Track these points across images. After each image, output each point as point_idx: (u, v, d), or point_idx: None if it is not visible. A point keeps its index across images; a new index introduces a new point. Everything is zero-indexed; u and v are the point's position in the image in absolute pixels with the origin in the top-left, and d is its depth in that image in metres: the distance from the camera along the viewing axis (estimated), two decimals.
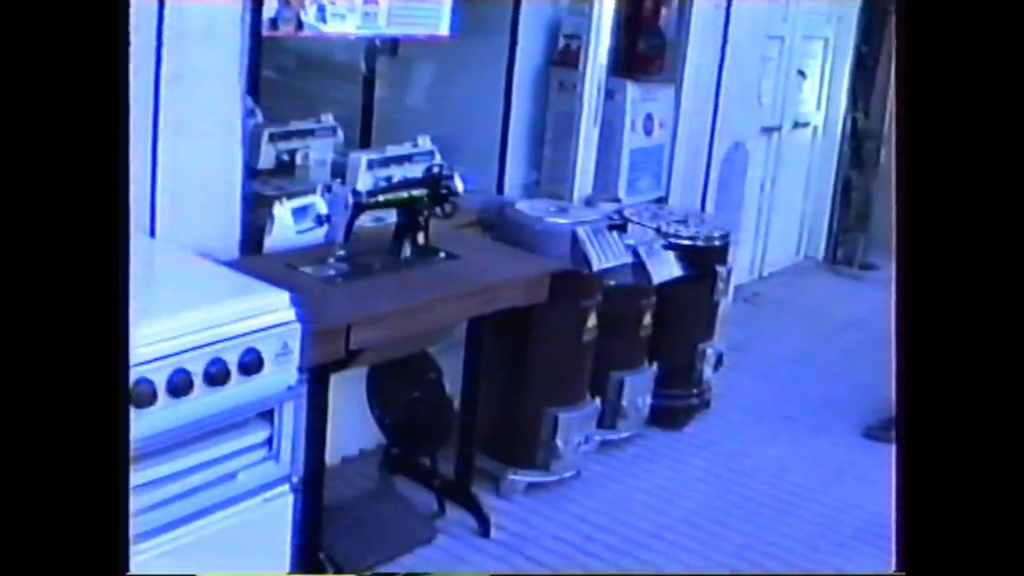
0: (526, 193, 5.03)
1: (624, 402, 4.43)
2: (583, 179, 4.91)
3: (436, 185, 3.63)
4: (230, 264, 3.19)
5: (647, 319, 4.43)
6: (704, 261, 4.58)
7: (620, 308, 4.30)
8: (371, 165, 4.42)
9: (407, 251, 3.61)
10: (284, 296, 2.82)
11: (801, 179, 7.15)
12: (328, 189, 3.60)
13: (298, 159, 4.74)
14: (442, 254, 3.64)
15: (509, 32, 4.95)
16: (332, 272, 3.43)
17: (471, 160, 5.10)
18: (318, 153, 4.79)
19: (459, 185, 3.64)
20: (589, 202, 4.82)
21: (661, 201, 5.42)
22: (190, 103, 3.27)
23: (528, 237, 3.98)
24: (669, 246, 4.44)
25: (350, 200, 3.41)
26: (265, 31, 3.59)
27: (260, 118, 4.95)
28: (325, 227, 3.71)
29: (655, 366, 4.56)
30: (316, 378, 3.33)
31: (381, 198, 3.54)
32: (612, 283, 4.21)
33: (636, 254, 4.24)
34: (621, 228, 4.08)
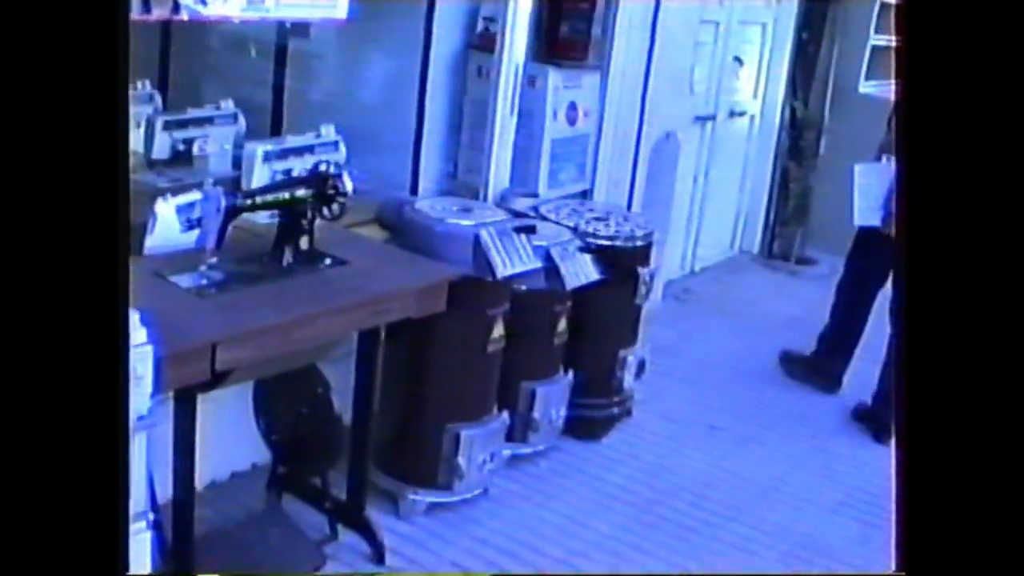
0: (442, 187, 4.69)
1: (536, 414, 4.09)
2: (499, 172, 4.55)
3: (322, 184, 3.26)
4: None
5: (561, 325, 4.08)
6: (624, 262, 4.24)
7: (531, 315, 3.96)
8: (268, 157, 4.03)
9: (288, 257, 3.24)
10: (134, 314, 2.45)
11: (737, 170, 6.78)
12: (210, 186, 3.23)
13: (195, 149, 4.37)
14: (327, 260, 3.28)
15: (425, 13, 4.57)
16: (203, 282, 3.06)
17: (384, 151, 4.77)
18: (216, 143, 4.42)
19: (348, 184, 3.28)
20: (504, 197, 4.47)
21: (586, 194, 5.07)
22: None
23: (428, 240, 3.62)
24: (586, 247, 4.08)
25: (222, 202, 3.04)
26: (136, 14, 3.19)
27: (158, 104, 4.60)
28: None
29: (571, 374, 4.22)
30: (181, 402, 2.99)
31: (259, 199, 3.16)
32: (523, 288, 3.86)
33: (549, 257, 3.88)
34: (529, 230, 3.71)
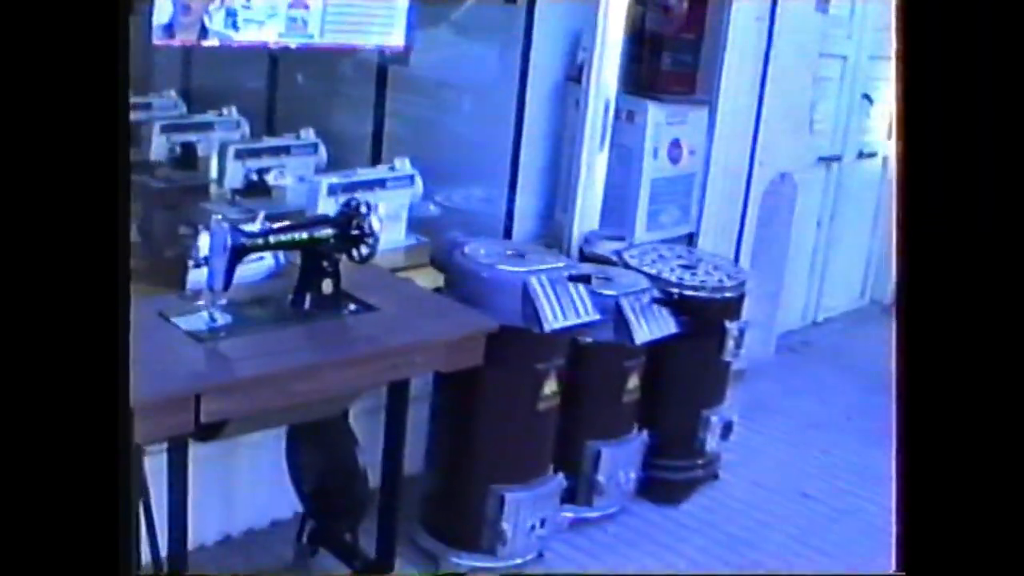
0: (538, 229, 4.33)
1: (601, 476, 3.68)
2: (587, 212, 4.16)
3: (346, 224, 2.94)
4: None
5: (633, 382, 3.67)
6: (710, 315, 3.79)
7: (598, 370, 3.58)
8: (333, 191, 3.77)
9: (309, 301, 2.93)
10: None
11: (867, 215, 6.17)
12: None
13: (271, 179, 4.12)
14: (352, 306, 2.95)
15: (522, 42, 4.23)
16: (204, 326, 2.77)
17: (476, 187, 4.45)
18: (294, 173, 4.15)
19: (376, 224, 2.95)
20: (588, 240, 4.08)
21: (691, 238, 4.65)
22: None
23: (475, 287, 3.27)
24: (665, 298, 3.65)
25: (228, 240, 2.74)
26: (158, 39, 2.94)
27: (245, 132, 4.38)
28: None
29: (645, 434, 3.79)
30: (171, 453, 2.71)
31: (272, 239, 2.86)
32: (588, 340, 3.47)
33: (619, 308, 3.48)
34: (584, 279, 3.31)
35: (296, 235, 2.90)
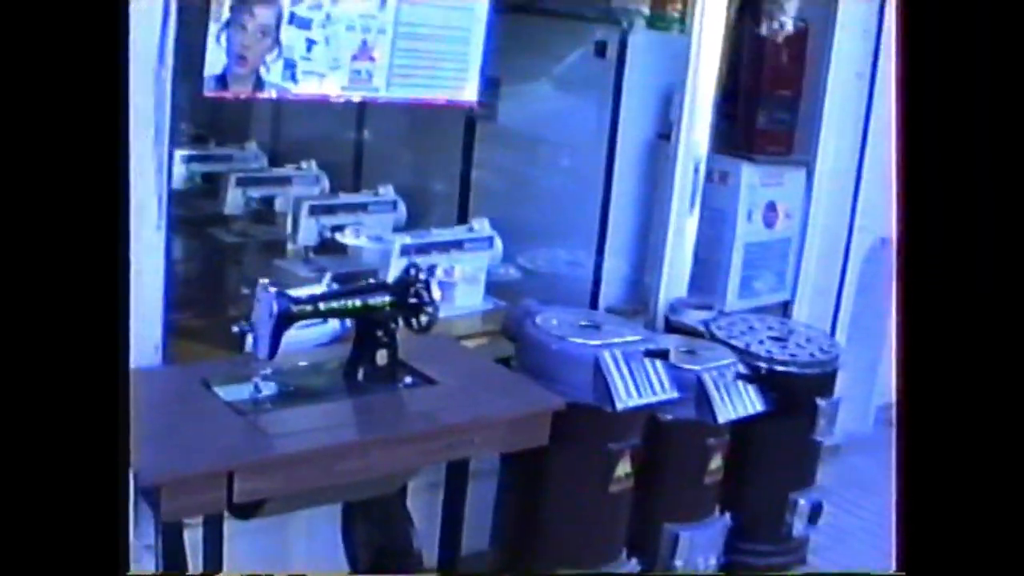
0: (625, 295, 4.05)
1: (679, 561, 3.36)
2: (675, 279, 3.88)
3: (403, 292, 2.70)
4: None
5: (716, 462, 3.35)
6: (800, 392, 3.47)
7: (677, 449, 3.28)
8: (406, 251, 3.55)
9: (362, 373, 2.69)
10: None
11: None
12: None
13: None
14: (409, 379, 2.71)
15: (612, 97, 3.97)
16: (248, 396, 2.56)
17: (564, 248, 4.20)
18: (370, 231, 3.92)
19: (436, 293, 2.71)
20: (674, 308, 3.78)
21: (786, 306, 4.32)
22: None
23: (544, 360, 3.01)
24: (753, 372, 3.34)
25: (274, 307, 2.52)
26: (209, 91, 2.74)
27: (325, 187, 4.18)
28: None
29: (727, 517, 3.47)
30: (207, 530, 2.49)
31: (322, 306, 2.63)
32: (667, 418, 3.18)
33: (701, 384, 3.18)
34: (662, 355, 3.02)
35: (349, 302, 2.67)
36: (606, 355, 2.93)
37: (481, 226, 3.82)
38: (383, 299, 2.69)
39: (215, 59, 2.70)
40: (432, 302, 2.71)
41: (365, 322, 2.71)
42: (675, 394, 3.01)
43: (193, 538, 2.55)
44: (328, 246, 3.91)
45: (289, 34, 2.79)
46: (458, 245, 3.73)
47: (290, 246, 3.97)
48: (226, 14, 2.68)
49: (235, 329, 2.58)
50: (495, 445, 2.70)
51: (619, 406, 2.90)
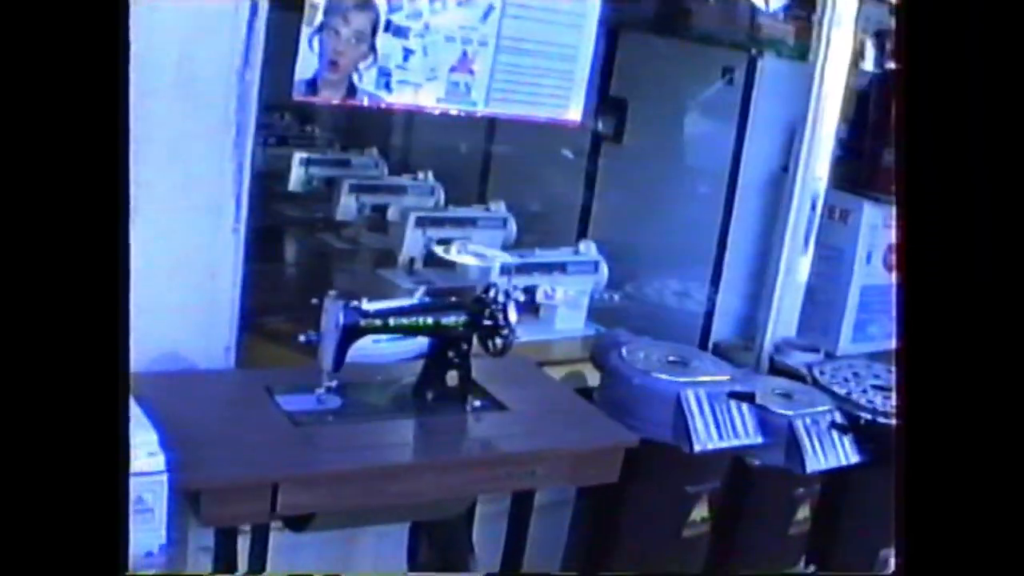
0: (740, 329, 3.88)
1: None
2: (784, 318, 3.69)
3: (477, 313, 2.59)
4: (171, 376, 2.50)
5: (803, 512, 3.16)
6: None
7: (762, 496, 3.10)
8: (505, 270, 3.46)
9: (431, 393, 2.60)
10: (151, 436, 1.95)
11: None
12: None
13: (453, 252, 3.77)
14: (478, 402, 2.61)
15: (736, 127, 3.81)
16: (307, 407, 2.49)
17: (675, 278, 4.05)
18: (478, 247, 3.80)
19: (512, 316, 2.60)
20: (779, 349, 3.60)
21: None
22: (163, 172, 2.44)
23: (625, 393, 2.87)
24: (851, 421, 3.13)
25: (340, 319, 2.44)
26: (299, 95, 2.69)
27: (440, 199, 4.11)
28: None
29: (812, 569, 3.27)
30: (253, 539, 2.42)
31: (391, 321, 2.54)
32: (756, 463, 3.00)
33: (792, 430, 2.99)
34: (747, 398, 2.85)
35: (420, 319, 2.57)
36: (689, 393, 2.78)
37: (587, 249, 3.70)
38: (457, 319, 2.59)
39: (306, 63, 2.64)
40: (508, 325, 2.60)
41: (438, 341, 2.61)
42: (759, 439, 2.84)
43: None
44: (438, 260, 3.82)
45: (385, 42, 2.71)
46: (561, 267, 3.62)
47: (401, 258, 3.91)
48: (319, 18, 2.62)
49: (301, 338, 2.51)
50: (559, 479, 2.57)
51: (697, 447, 2.74)
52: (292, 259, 4.17)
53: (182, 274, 2.55)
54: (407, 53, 2.75)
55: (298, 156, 4.27)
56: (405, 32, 2.73)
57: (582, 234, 4.29)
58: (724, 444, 2.78)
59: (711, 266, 3.88)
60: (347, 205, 4.06)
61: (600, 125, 4.34)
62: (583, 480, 2.59)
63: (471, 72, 2.85)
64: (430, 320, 2.57)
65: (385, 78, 2.74)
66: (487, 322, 2.60)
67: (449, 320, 2.58)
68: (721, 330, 3.87)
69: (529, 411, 2.65)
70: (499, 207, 3.97)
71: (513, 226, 3.96)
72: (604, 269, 3.68)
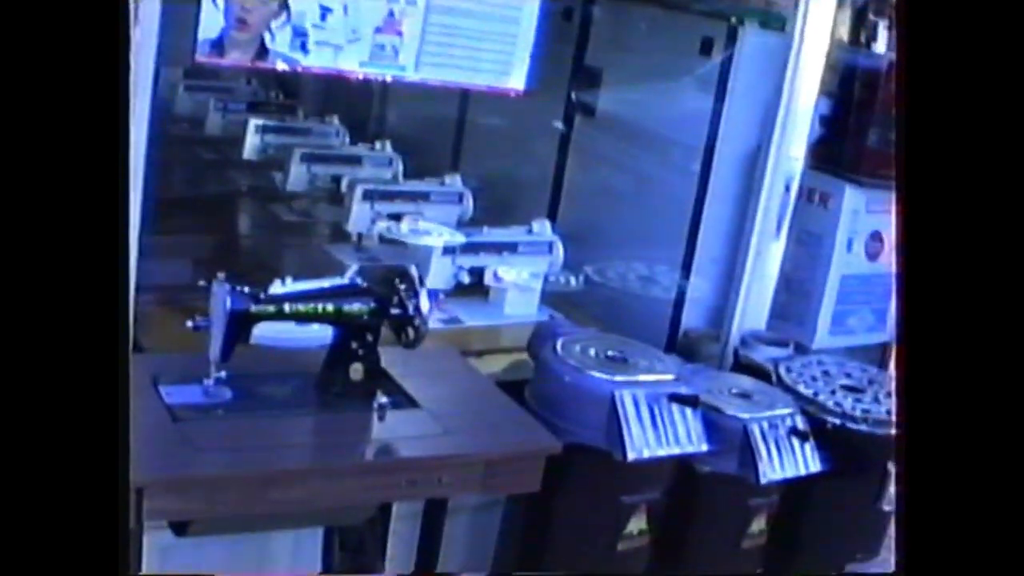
0: (710, 319, 3.57)
1: None
2: (753, 309, 3.39)
3: (386, 300, 2.31)
4: None
5: (758, 524, 2.87)
6: (868, 453, 2.94)
7: (711, 506, 2.80)
8: (449, 249, 3.17)
9: (336, 386, 2.32)
10: None
11: None
12: None
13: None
14: (385, 399, 2.32)
15: (713, 100, 3.49)
16: (193, 400, 2.22)
17: (640, 262, 3.76)
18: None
19: (424, 304, 2.32)
20: (745, 342, 3.30)
21: (885, 348, 3.78)
22: None
23: (556, 392, 2.58)
24: (815, 425, 2.85)
25: (228, 304, 2.17)
26: (202, 56, 2.40)
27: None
28: None
29: None
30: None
31: (287, 308, 2.26)
32: (705, 469, 2.72)
33: (747, 435, 2.70)
34: (690, 402, 2.55)
35: (319, 306, 2.29)
36: (624, 394, 2.49)
37: (541, 228, 3.41)
38: (362, 306, 2.31)
39: (211, 22, 2.36)
40: (419, 314, 2.32)
41: (343, 330, 2.33)
42: (704, 447, 2.55)
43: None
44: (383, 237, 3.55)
45: None
46: (512, 247, 3.33)
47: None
48: None
49: (188, 323, 2.23)
50: (468, 487, 2.29)
51: (631, 455, 2.46)
52: (237, 231, 3.90)
53: None
54: (324, 11, 2.47)
55: (253, 123, 4.00)
56: None
57: (552, 212, 4.01)
58: (662, 452, 2.49)
59: (683, 249, 3.58)
60: (298, 175, 3.79)
61: (573, 96, 4.05)
62: (497, 488, 2.32)
63: (399, 33, 2.57)
64: (331, 307, 2.30)
65: (301, 38, 2.47)
66: (395, 310, 2.31)
67: (353, 308, 2.31)
68: (691, 319, 3.57)
69: (442, 410, 2.37)
70: (454, 181, 3.68)
71: (470, 202, 3.67)
72: (559, 250, 3.39)
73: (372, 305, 2.31)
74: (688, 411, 2.54)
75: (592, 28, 3.97)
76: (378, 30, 2.53)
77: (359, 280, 2.39)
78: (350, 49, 2.52)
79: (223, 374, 2.25)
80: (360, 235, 3.55)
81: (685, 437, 2.53)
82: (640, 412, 2.48)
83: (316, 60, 2.49)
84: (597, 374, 2.55)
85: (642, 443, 2.47)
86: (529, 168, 4.29)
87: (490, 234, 3.33)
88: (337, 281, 2.41)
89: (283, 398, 2.32)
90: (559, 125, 4.11)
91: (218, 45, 2.40)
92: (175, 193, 3.91)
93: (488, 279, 3.31)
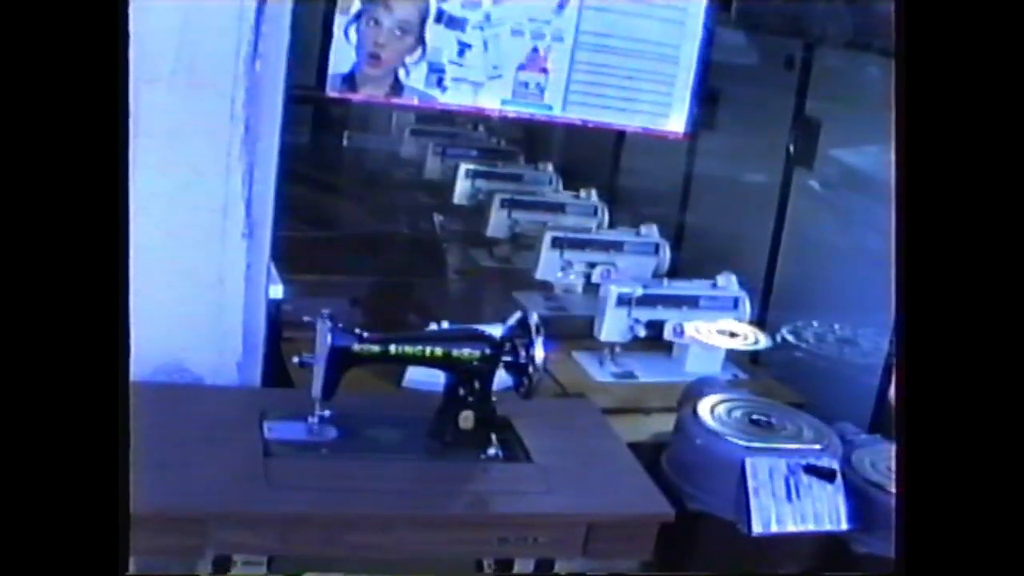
0: None
1: None
2: None
3: (499, 347, 2.19)
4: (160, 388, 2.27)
5: None
6: None
7: None
8: (624, 301, 3.03)
9: (447, 434, 2.21)
10: None
11: None
12: None
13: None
14: (494, 451, 2.19)
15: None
16: (294, 436, 2.17)
17: (851, 326, 3.48)
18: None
19: (539, 353, 2.18)
20: None
21: None
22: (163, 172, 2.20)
23: (686, 455, 2.37)
24: None
25: (329, 341, 2.11)
26: (332, 91, 2.38)
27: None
28: None
29: None
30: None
31: (392, 349, 2.17)
32: (862, 551, 2.42)
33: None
34: (826, 476, 2.28)
35: (427, 349, 2.18)
36: (758, 463, 2.25)
37: (727, 282, 3.19)
38: (472, 351, 2.19)
39: (341, 56, 2.33)
40: (532, 362, 2.18)
41: (453, 377, 2.21)
42: (844, 525, 2.26)
43: None
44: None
45: (435, 34, 2.34)
46: (693, 301, 3.13)
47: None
48: (356, 5, 2.29)
49: (295, 360, 2.19)
50: (567, 550, 2.10)
51: (756, 528, 2.21)
52: (435, 274, 3.87)
53: (187, 281, 2.29)
54: (463, 47, 2.39)
55: (464, 167, 3.97)
56: (461, 24, 2.38)
57: (771, 265, 3.77)
58: (794, 527, 2.23)
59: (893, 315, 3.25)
60: (498, 220, 3.72)
61: (792, 147, 3.80)
62: (603, 554, 2.11)
63: (543, 71, 2.45)
64: (439, 351, 2.19)
65: (437, 75, 2.40)
66: (507, 357, 2.18)
67: (463, 352, 2.19)
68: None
69: (556, 465, 2.21)
70: (651, 231, 3.51)
71: (667, 253, 3.48)
72: (746, 306, 3.16)
73: (482, 351, 2.19)
74: (829, 488, 2.27)
75: (811, 77, 3.73)
76: (521, 67, 2.43)
77: (516, 328, 2.26)
78: (491, 86, 2.42)
79: (327, 413, 2.18)
80: (547, 283, 3.45)
81: (827, 514, 2.25)
82: (773, 482, 2.23)
83: (454, 97, 2.41)
84: (730, 438, 2.31)
85: (771, 516, 2.21)
86: (747, 221, 4.06)
87: (670, 286, 3.14)
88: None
89: (388, 442, 2.23)
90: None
91: (349, 80, 2.35)
92: (384, 232, 3.95)
93: (667, 334, 3.11)
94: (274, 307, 2.56)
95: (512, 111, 2.47)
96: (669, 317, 3.11)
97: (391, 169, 4.52)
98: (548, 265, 3.40)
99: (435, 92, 2.40)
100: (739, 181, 4.03)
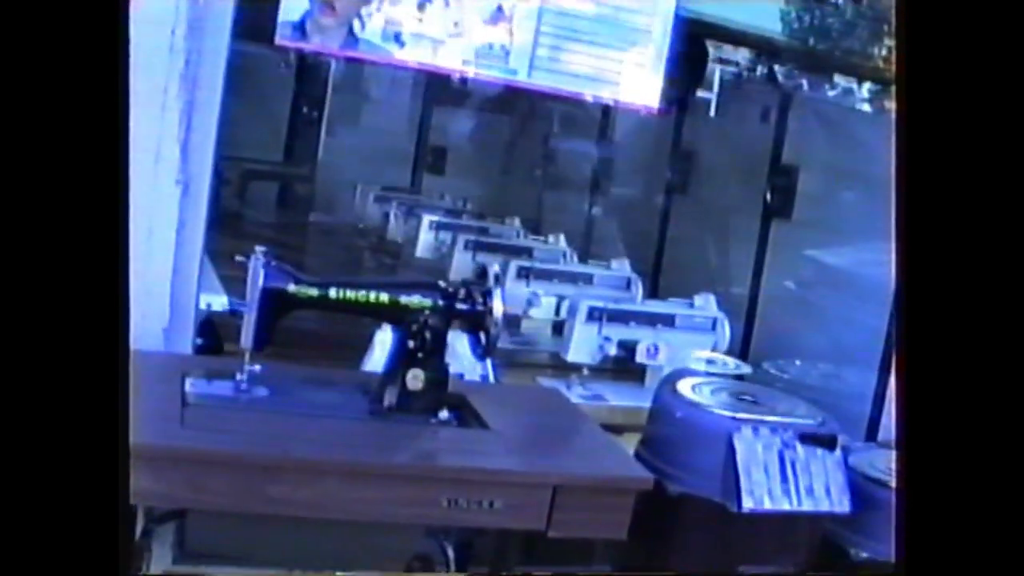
0: None
1: None
2: None
3: (452, 295, 1.91)
4: None
5: None
6: None
7: None
8: (594, 316, 2.76)
9: (391, 396, 1.91)
10: None
11: None
12: None
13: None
14: (447, 414, 1.89)
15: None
16: (214, 392, 1.86)
17: (826, 361, 3.25)
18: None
19: (498, 306, 1.90)
20: None
21: None
22: None
23: (667, 430, 2.07)
24: None
25: (261, 280, 1.83)
26: (283, 39, 2.15)
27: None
28: None
29: None
30: None
31: (333, 293, 1.89)
32: (863, 556, 2.11)
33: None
34: (825, 443, 1.98)
35: (372, 295, 1.90)
36: (745, 431, 1.95)
37: (704, 303, 2.92)
38: (421, 299, 1.90)
39: (292, 2, 2.10)
40: (490, 314, 1.90)
41: (404, 330, 1.92)
42: (845, 505, 1.95)
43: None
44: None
45: None
46: (668, 320, 2.85)
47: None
48: None
49: (223, 300, 1.91)
50: (529, 518, 1.77)
51: (747, 505, 1.90)
52: None
53: None
54: (423, 2, 2.17)
55: (427, 219, 3.73)
56: None
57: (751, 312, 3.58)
58: (788, 506, 1.92)
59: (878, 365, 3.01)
60: (460, 263, 3.46)
61: (769, 196, 3.64)
62: (568, 528, 1.78)
63: (508, 32, 2.23)
64: (385, 298, 1.90)
65: (395, 29, 2.17)
66: (462, 306, 1.90)
67: (411, 300, 1.91)
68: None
69: (517, 435, 1.91)
70: (622, 265, 3.26)
71: (638, 289, 3.20)
72: (725, 329, 2.89)
73: (435, 300, 1.91)
74: (828, 462, 1.96)
75: (788, 127, 3.60)
76: (486, 23, 2.21)
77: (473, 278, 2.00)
78: (451, 44, 2.20)
79: (258, 367, 1.89)
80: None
81: (822, 490, 1.95)
82: (758, 454, 1.93)
83: (412, 54, 2.18)
84: (715, 410, 2.02)
85: (763, 493, 1.91)
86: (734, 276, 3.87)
87: (644, 304, 2.88)
88: None
89: (324, 401, 1.93)
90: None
91: (300, 28, 2.13)
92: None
93: (640, 355, 2.83)
94: (211, 321, 2.29)
95: (473, 72, 2.24)
96: (642, 337, 2.83)
97: (354, 237, 4.29)
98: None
99: (392, 47, 2.18)
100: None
